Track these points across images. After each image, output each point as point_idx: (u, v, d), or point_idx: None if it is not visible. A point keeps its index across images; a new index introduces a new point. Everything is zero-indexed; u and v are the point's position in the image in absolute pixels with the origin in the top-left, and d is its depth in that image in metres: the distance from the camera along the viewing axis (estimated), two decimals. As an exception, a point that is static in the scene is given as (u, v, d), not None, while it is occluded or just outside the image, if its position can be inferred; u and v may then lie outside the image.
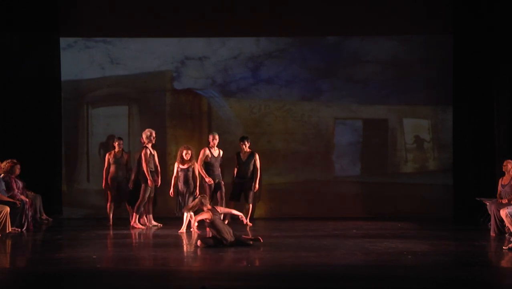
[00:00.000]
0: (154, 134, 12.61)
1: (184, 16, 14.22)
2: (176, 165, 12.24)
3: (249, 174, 12.87)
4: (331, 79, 14.44)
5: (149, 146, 12.48)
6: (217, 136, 12.62)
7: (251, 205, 12.99)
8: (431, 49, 14.32)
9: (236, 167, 12.97)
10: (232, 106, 14.45)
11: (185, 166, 12.12)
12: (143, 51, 14.38)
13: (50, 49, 14.17)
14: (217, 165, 12.58)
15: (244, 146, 12.88)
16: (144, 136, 12.56)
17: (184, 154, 12.10)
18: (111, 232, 12.27)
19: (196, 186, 12.16)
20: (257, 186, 12.90)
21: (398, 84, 14.40)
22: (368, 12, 14.20)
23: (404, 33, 14.36)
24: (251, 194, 12.90)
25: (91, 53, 14.37)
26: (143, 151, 12.40)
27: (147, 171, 12.32)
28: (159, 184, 12.56)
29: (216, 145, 12.60)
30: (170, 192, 12.20)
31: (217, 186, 12.50)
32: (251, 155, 12.90)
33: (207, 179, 12.41)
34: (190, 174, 12.13)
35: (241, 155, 12.92)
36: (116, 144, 13.06)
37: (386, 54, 14.39)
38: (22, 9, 13.93)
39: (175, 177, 12.19)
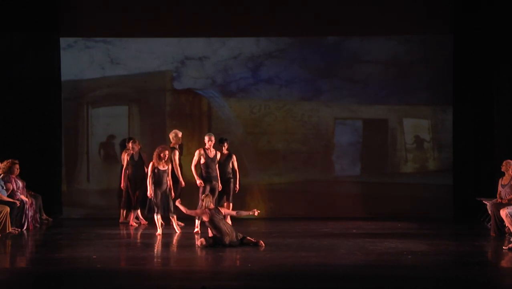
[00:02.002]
0: (179, 135, 12.76)
1: (184, 16, 14.21)
2: (151, 165, 11.82)
3: (227, 175, 12.53)
4: (331, 79, 14.44)
5: (176, 146, 12.61)
6: (213, 138, 12.29)
7: (231, 204, 12.55)
8: (431, 49, 14.32)
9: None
10: (232, 106, 14.45)
11: (162, 167, 11.79)
12: (143, 51, 14.38)
13: (50, 49, 14.17)
14: (213, 166, 12.30)
15: (223, 148, 12.52)
16: (170, 137, 12.80)
17: (161, 155, 11.78)
18: (112, 232, 12.27)
19: (170, 187, 11.91)
20: (237, 186, 12.64)
21: (398, 84, 14.40)
22: (368, 12, 14.20)
23: (404, 33, 14.36)
24: (232, 194, 12.56)
25: (91, 53, 14.37)
26: (173, 152, 12.49)
27: (178, 171, 12.45)
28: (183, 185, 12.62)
29: (212, 146, 12.30)
30: (149, 193, 11.83)
31: (212, 189, 12.21)
32: (228, 156, 12.57)
33: (198, 182, 12.18)
34: (166, 174, 11.82)
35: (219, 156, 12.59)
36: (131, 145, 13.07)
37: (386, 54, 14.39)
38: (22, 9, 13.94)
39: (150, 176, 11.78)
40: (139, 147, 12.99)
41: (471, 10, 13.91)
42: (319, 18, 14.23)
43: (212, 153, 12.28)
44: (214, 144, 12.33)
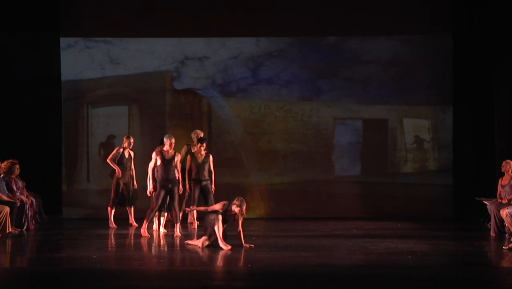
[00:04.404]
0: (201, 135, 12.54)
1: (184, 16, 14.21)
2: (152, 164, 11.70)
3: (206, 176, 12.29)
4: (331, 79, 14.43)
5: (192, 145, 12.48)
6: (173, 140, 11.61)
7: None
8: (431, 49, 14.32)
9: (186, 170, 12.34)
10: (232, 106, 14.45)
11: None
12: (143, 51, 14.37)
13: (50, 49, 14.18)
14: (171, 168, 11.58)
15: (202, 148, 12.27)
16: (192, 137, 12.67)
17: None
18: (111, 232, 12.26)
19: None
20: (213, 187, 12.37)
21: (398, 84, 14.40)
22: (368, 12, 14.20)
23: (404, 33, 14.36)
24: (211, 196, 12.23)
25: (91, 53, 14.37)
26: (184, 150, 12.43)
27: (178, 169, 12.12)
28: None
29: (172, 148, 11.64)
30: (148, 191, 11.67)
31: (168, 192, 11.60)
32: (207, 156, 12.35)
33: (149, 187, 11.61)
34: None
35: (197, 156, 12.31)
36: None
37: (386, 54, 14.39)
38: (22, 9, 13.94)
39: (151, 175, 11.70)
40: (158, 145, 12.87)
41: (471, 10, 13.92)
42: (319, 18, 14.23)
43: (169, 154, 11.64)
44: (174, 146, 11.70)
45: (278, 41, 14.44)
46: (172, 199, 11.60)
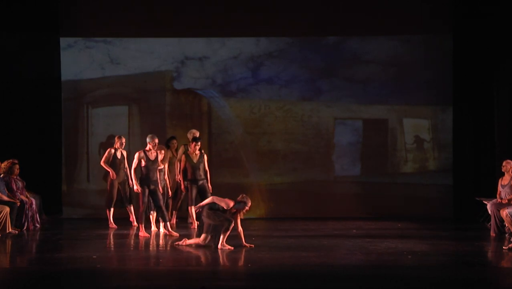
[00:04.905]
0: (197, 135, 12.53)
1: (184, 16, 14.21)
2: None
3: (202, 176, 12.25)
4: (331, 79, 14.44)
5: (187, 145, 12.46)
6: (156, 140, 11.56)
7: None
8: (431, 49, 14.32)
9: (181, 170, 12.35)
10: (232, 106, 14.45)
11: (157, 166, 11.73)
12: (143, 51, 14.37)
13: (50, 49, 14.18)
14: (154, 169, 11.50)
15: (196, 148, 12.22)
16: (188, 137, 12.64)
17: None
18: (111, 232, 12.26)
19: (167, 186, 12.00)
20: (210, 186, 12.34)
21: (398, 84, 14.40)
22: (368, 12, 14.20)
23: (404, 33, 14.36)
24: (209, 195, 11.89)
25: (91, 53, 14.37)
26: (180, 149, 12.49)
27: (177, 168, 12.40)
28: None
29: (156, 148, 11.56)
30: (136, 189, 11.59)
31: (152, 193, 11.50)
32: (201, 156, 12.30)
33: (135, 188, 11.53)
34: (163, 173, 11.93)
35: (192, 156, 12.25)
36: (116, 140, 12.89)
37: (386, 54, 14.39)
38: (22, 9, 13.94)
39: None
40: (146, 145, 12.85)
41: (471, 10, 13.92)
42: (319, 18, 14.23)
43: (153, 155, 11.55)
44: (157, 147, 11.61)
45: (278, 41, 14.44)
46: (156, 199, 11.57)
